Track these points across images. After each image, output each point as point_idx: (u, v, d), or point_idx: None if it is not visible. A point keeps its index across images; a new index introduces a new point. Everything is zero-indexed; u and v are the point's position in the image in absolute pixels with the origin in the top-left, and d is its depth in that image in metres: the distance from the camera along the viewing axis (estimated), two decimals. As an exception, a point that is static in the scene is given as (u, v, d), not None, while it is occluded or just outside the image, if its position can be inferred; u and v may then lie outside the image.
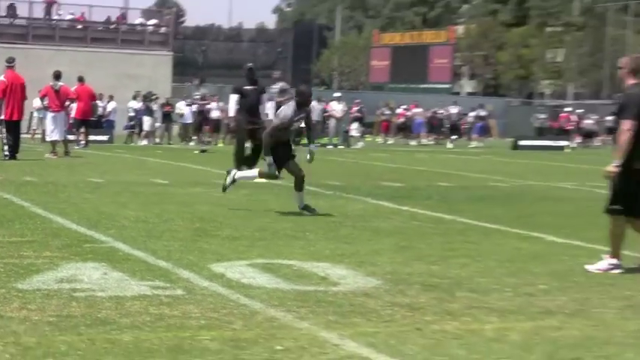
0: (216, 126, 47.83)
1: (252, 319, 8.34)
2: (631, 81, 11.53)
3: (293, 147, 17.02)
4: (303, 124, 17.07)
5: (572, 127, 60.26)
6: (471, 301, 9.39)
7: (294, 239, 13.33)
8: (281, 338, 7.68)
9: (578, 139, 59.30)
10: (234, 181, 17.00)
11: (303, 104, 16.52)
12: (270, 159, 16.27)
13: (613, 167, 11.30)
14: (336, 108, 50.86)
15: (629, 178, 11.33)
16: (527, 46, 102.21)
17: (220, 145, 45.66)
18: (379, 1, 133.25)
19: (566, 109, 66.57)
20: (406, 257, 11.94)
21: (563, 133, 58.75)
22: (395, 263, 11.46)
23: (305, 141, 21.01)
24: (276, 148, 16.30)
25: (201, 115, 43.91)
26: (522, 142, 53.19)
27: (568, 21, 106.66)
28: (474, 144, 55.16)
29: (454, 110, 58.07)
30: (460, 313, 8.87)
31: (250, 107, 23.42)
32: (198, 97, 44.00)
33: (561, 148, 52.79)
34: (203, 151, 37.86)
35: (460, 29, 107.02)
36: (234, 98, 23.74)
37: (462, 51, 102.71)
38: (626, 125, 11.25)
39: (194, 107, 44.17)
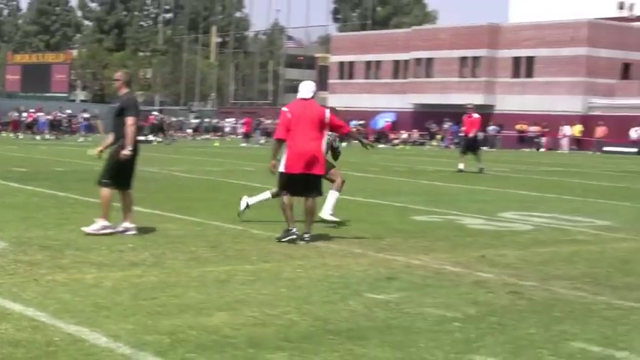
0: None
1: None
2: (124, 90, 11.50)
3: None
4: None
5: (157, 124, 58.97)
6: (76, 257, 9.22)
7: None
8: None
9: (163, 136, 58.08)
10: (247, 206, 12.98)
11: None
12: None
13: (128, 151, 11.17)
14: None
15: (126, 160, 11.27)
16: (125, 66, 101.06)
17: None
18: (12, 29, 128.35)
19: (153, 113, 66.52)
20: (28, 225, 11.57)
21: (157, 130, 57.22)
22: (19, 230, 11.08)
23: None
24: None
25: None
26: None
27: (154, 48, 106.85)
28: (81, 139, 53.95)
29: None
30: (68, 267, 8.70)
31: None
32: None
33: (150, 142, 51.93)
34: None
35: (75, 52, 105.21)
36: None
37: (76, 69, 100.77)
38: (131, 121, 11.16)
39: None
